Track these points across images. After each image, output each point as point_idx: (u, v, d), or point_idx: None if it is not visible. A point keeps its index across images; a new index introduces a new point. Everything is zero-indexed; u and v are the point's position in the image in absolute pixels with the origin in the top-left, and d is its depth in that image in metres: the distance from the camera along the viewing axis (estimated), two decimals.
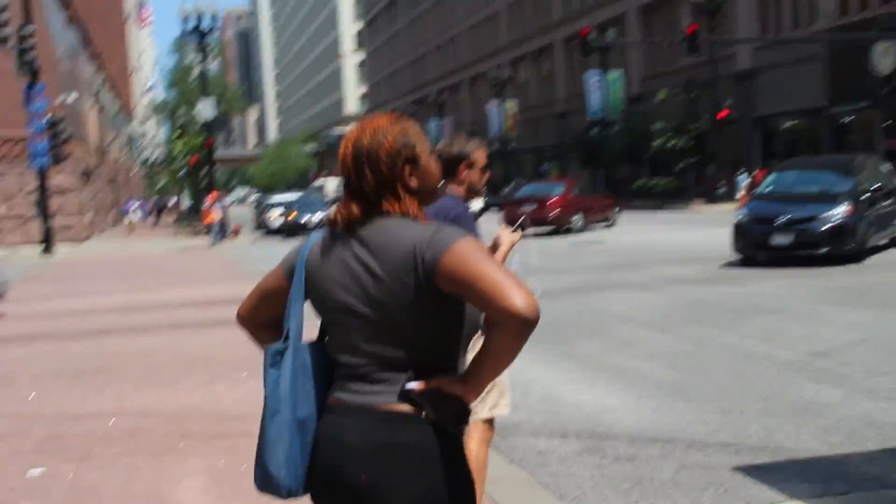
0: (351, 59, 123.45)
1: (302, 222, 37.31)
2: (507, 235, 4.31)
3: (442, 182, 4.48)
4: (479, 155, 4.43)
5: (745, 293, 12.89)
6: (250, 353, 9.68)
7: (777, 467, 5.52)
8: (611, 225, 31.05)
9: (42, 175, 27.86)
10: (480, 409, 4.43)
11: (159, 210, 56.62)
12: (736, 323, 10.47)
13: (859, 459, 5.61)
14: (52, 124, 28.23)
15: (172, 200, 73.22)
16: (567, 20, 59.10)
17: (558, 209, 28.57)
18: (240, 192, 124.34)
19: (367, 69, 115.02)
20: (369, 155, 2.40)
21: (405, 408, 2.28)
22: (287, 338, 2.48)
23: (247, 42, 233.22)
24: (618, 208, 32.29)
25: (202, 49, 36.33)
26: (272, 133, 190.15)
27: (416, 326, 2.29)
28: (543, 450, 6.12)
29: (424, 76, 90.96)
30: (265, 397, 2.48)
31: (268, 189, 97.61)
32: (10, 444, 6.71)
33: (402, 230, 2.33)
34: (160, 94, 64.18)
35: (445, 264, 2.20)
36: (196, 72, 41.64)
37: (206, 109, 35.25)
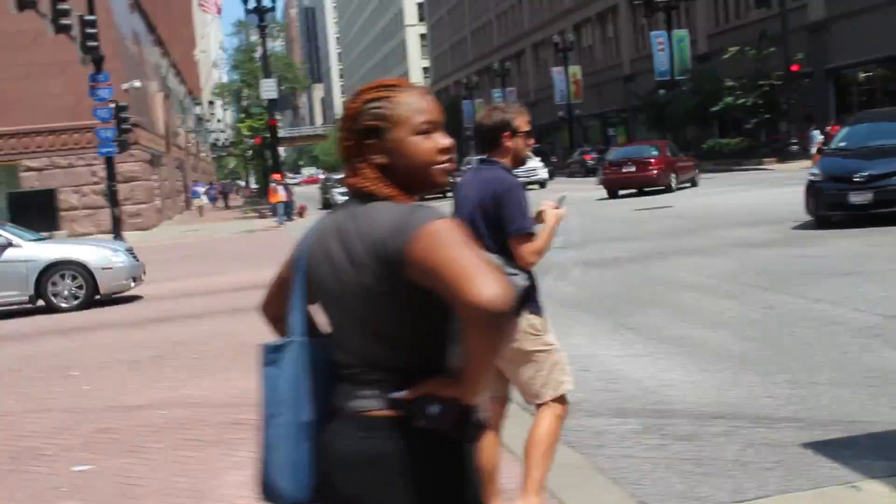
0: (414, 32, 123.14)
1: None
2: (551, 212, 4.14)
3: (485, 155, 4.30)
4: (521, 121, 4.17)
5: (818, 255, 12.34)
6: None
7: (850, 443, 5.15)
8: (694, 185, 31.45)
9: (110, 163, 28.17)
10: (546, 392, 4.23)
11: (226, 193, 57.14)
12: (807, 287, 9.99)
13: None
14: (118, 112, 28.50)
15: (242, 182, 74.15)
16: None
17: (659, 170, 29.25)
18: (306, 171, 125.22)
19: (430, 41, 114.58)
20: (342, 121, 2.17)
21: (394, 415, 2.04)
22: (289, 332, 2.27)
23: (311, 19, 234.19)
24: (697, 169, 32.68)
25: (262, 29, 36.33)
26: (338, 111, 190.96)
27: (396, 323, 2.05)
28: (601, 430, 5.84)
29: (487, 45, 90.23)
30: (262, 399, 2.27)
31: (333, 168, 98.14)
32: (61, 438, 6.66)
33: (378, 214, 2.08)
34: (225, 76, 64.67)
35: (413, 252, 1.96)
36: (258, 52, 41.74)
37: (268, 90, 35.32)
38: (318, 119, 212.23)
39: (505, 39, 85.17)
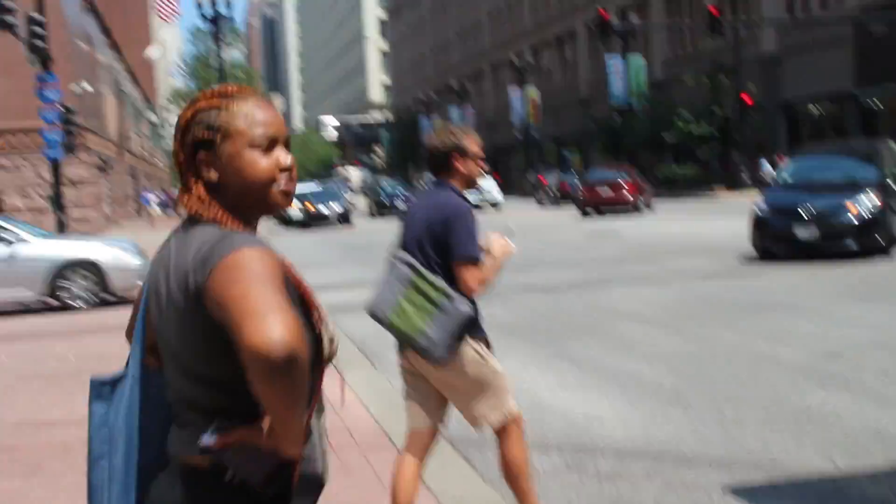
0: (375, 48, 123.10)
1: (323, 213, 36.94)
2: (498, 245, 4.03)
3: (433, 177, 4.16)
4: (470, 143, 4.09)
5: (759, 288, 12.33)
6: None
7: (772, 488, 5.04)
8: (651, 209, 32.95)
9: (55, 166, 27.61)
10: (494, 416, 4.19)
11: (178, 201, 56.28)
12: (745, 321, 9.94)
13: (864, 479, 5.11)
14: (65, 114, 27.95)
15: None
16: (589, 4, 58.29)
17: (632, 193, 31.83)
18: None
19: (390, 57, 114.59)
20: (174, 131, 1.95)
21: (205, 463, 1.82)
22: (127, 364, 2.05)
23: (273, 30, 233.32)
24: (652, 195, 34.37)
25: (217, 37, 35.97)
26: (297, 122, 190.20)
27: (210, 361, 1.82)
28: None
29: (447, 63, 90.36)
30: (88, 437, 2.06)
31: None
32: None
33: (191, 241, 1.85)
34: (181, 83, 64.04)
35: (210, 285, 1.74)
36: (214, 59, 41.36)
37: None
38: None
39: (465, 58, 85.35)
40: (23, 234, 14.12)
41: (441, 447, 6.01)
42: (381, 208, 42.43)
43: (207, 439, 1.80)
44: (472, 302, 3.95)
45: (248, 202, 1.92)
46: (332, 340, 1.92)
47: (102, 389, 2.07)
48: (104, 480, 2.03)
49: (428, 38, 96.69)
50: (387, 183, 47.77)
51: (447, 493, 5.12)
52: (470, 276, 3.87)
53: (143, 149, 64.38)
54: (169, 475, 1.89)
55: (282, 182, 1.93)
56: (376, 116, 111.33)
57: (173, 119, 52.55)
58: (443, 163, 4.07)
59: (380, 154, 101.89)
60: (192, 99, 1.97)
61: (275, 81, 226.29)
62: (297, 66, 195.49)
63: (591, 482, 5.29)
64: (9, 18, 22.56)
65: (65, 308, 13.93)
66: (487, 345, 4.11)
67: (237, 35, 70.44)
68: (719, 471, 5.32)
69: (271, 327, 1.61)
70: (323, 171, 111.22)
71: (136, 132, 57.49)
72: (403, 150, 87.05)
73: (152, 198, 46.27)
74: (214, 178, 1.89)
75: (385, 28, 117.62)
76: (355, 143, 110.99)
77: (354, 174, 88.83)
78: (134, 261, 14.43)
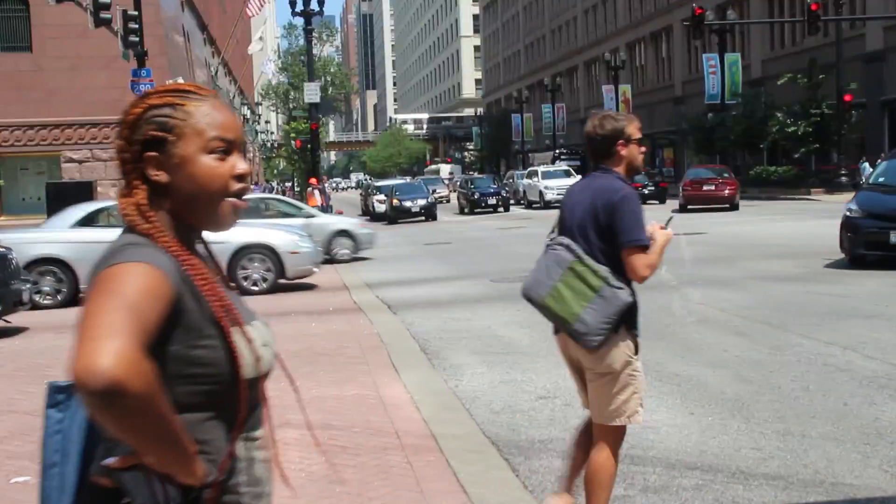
0: (468, 43, 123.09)
1: (407, 207, 37.10)
2: (661, 233, 3.97)
3: (595, 164, 4.11)
4: (633, 128, 4.07)
5: (842, 294, 11.78)
6: (294, 351, 9.32)
7: None
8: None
9: None
10: (617, 418, 4.07)
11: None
12: (823, 328, 9.49)
13: None
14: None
15: (289, 184, 74.39)
16: (686, 1, 57.22)
17: (731, 190, 33.04)
18: (354, 176, 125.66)
19: (483, 53, 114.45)
20: (119, 127, 1.82)
21: (108, 483, 1.70)
22: None
23: (368, 25, 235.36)
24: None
25: (308, 32, 36.28)
26: (391, 116, 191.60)
27: None
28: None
29: (540, 60, 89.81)
30: (42, 444, 1.96)
31: (381, 174, 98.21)
32: (12, 444, 6.43)
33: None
34: (274, 77, 64.90)
35: (85, 297, 1.65)
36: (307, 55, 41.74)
37: (310, 93, 35.26)
38: (371, 125, 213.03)
39: (558, 55, 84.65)
40: None
41: (486, 451, 5.87)
42: (471, 205, 41.77)
43: (111, 458, 1.69)
44: (634, 293, 3.96)
45: (197, 209, 1.81)
46: (258, 359, 1.77)
47: (58, 396, 1.97)
48: (55, 489, 1.93)
49: (521, 34, 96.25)
50: (477, 179, 47.42)
51: (486, 501, 4.96)
52: (638, 261, 3.85)
53: None
54: (84, 493, 1.78)
55: (235, 191, 1.81)
56: (468, 112, 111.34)
57: (266, 113, 53.23)
58: (605, 149, 4.05)
59: (470, 150, 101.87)
60: (142, 94, 1.85)
61: (370, 77, 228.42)
62: (391, 61, 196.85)
63: (637, 496, 5.05)
64: (104, 14, 23.10)
65: (243, 293, 14.14)
66: (636, 345, 4.06)
67: (330, 30, 71.05)
68: (775, 488, 5.04)
69: (96, 354, 1.49)
70: (414, 166, 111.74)
71: None
72: (494, 147, 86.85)
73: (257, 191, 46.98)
74: (164, 180, 1.78)
75: (478, 24, 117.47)
76: (446, 139, 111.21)
77: (446, 170, 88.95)
78: (306, 246, 14.90)
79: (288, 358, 7.77)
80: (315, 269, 15.08)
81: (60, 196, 32.24)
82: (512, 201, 45.27)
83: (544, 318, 4.15)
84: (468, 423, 6.50)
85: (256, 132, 70.53)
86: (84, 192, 33.42)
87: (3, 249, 11.61)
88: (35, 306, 12.87)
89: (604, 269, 3.87)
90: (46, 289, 13.76)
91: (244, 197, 1.87)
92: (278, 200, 21.91)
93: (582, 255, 3.92)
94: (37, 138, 32.80)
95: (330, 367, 8.55)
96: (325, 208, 34.28)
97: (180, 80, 34.54)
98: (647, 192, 37.51)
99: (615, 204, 3.87)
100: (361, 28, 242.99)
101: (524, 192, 46.57)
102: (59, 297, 13.82)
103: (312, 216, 19.81)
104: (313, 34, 39.78)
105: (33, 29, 33.35)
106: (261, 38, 56.11)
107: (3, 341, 11.13)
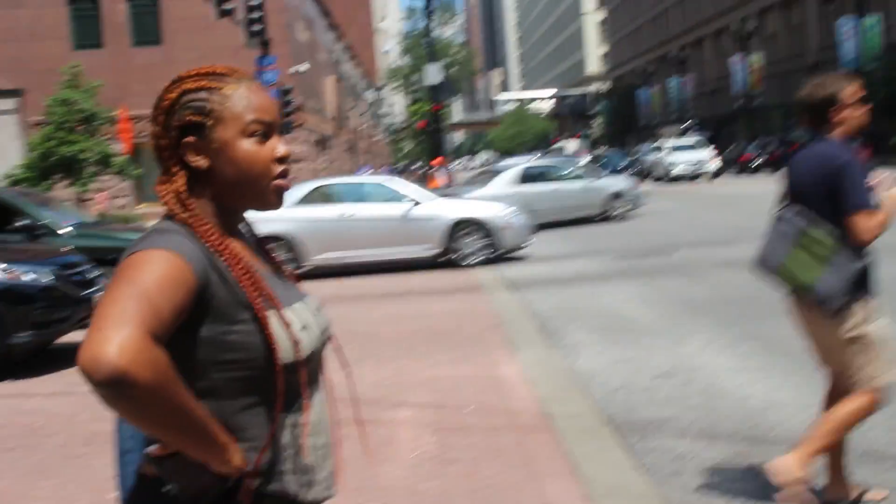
0: (592, 19, 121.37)
1: None
2: (889, 194, 3.94)
3: (814, 130, 4.16)
4: (849, 91, 4.01)
5: None
6: (413, 330, 9.34)
7: None
8: None
9: None
10: (858, 383, 4.06)
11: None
12: None
13: None
14: (282, 94, 29.11)
15: (415, 165, 74.94)
16: None
17: (865, 158, 31.20)
18: (482, 156, 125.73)
19: (608, 27, 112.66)
20: (154, 113, 1.76)
21: (152, 471, 1.68)
22: None
23: (492, 5, 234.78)
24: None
25: (429, 14, 36.38)
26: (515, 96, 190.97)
27: None
28: (682, 454, 5.26)
29: (666, 32, 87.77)
30: (116, 430, 1.95)
31: (507, 153, 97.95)
32: None
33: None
34: (397, 60, 65.44)
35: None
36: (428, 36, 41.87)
37: (432, 74, 35.36)
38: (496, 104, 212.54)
39: (685, 26, 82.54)
40: (414, 195, 15.24)
41: (599, 430, 5.72)
42: None
43: (153, 446, 1.65)
44: (865, 256, 3.98)
45: (239, 193, 1.76)
46: (295, 343, 1.70)
47: None
48: (130, 475, 1.92)
49: (646, 6, 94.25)
50: (606, 155, 46.58)
51: (598, 481, 4.82)
52: (864, 224, 3.84)
53: (362, 125, 66.39)
54: (131, 487, 1.77)
55: (276, 172, 1.77)
56: (593, 88, 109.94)
57: (389, 96, 53.72)
58: (820, 116, 4.03)
59: (596, 126, 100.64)
60: (176, 78, 1.79)
61: (494, 56, 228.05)
62: (515, 39, 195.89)
63: (757, 476, 4.82)
64: (227, 6, 23.65)
65: (454, 265, 14.66)
66: (872, 307, 4.04)
67: (451, 12, 71.11)
68: None
69: (101, 344, 1.45)
70: (540, 144, 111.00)
71: (355, 109, 59.31)
72: (621, 122, 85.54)
73: (368, 172, 47.51)
74: (204, 165, 1.73)
75: None
76: (572, 116, 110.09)
77: (572, 147, 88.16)
78: (518, 219, 15.34)
79: (405, 338, 7.81)
80: (526, 242, 15.45)
81: None
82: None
83: (779, 286, 4.20)
84: (583, 403, 6.35)
85: (381, 115, 71.37)
86: None
87: None
88: None
89: (834, 235, 3.90)
90: None
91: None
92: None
93: (813, 221, 3.96)
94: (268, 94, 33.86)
95: (447, 347, 8.51)
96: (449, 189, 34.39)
97: (304, 67, 35.17)
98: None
99: (838, 170, 3.88)
100: (485, 7, 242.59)
101: (650, 166, 45.68)
102: None
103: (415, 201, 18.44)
104: (433, 16, 39.84)
105: (163, 23, 34.44)
106: (382, 20, 56.55)
107: None
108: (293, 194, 15.12)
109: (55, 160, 24.04)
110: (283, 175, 1.79)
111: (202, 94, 1.73)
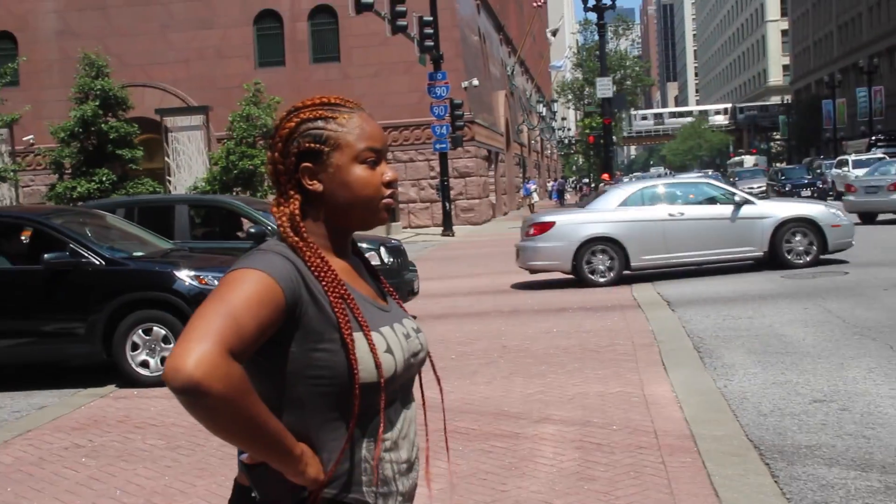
0: (775, 27, 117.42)
1: None
2: None
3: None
4: None
5: None
6: (564, 346, 9.33)
7: None
8: None
9: (443, 158, 29.31)
10: None
11: (561, 191, 57.35)
12: None
13: None
14: (452, 109, 29.58)
15: (584, 181, 74.46)
16: None
17: None
18: (654, 171, 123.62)
19: (791, 37, 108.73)
20: (270, 139, 1.92)
21: (242, 481, 1.82)
22: None
23: (668, 16, 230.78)
24: None
25: (601, 27, 36.17)
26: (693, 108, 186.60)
27: (252, 378, 1.78)
28: (831, 483, 5.07)
29: (855, 41, 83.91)
30: None
31: (681, 168, 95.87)
32: None
33: None
34: (569, 73, 65.26)
35: None
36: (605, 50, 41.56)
37: (603, 88, 35.15)
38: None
39: (876, 33, 78.67)
40: (749, 196, 15.61)
41: (746, 454, 5.59)
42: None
43: (245, 454, 1.78)
44: None
45: (351, 213, 1.91)
46: (377, 366, 1.80)
47: None
48: None
49: (834, 13, 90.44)
50: (788, 170, 44.31)
51: None
52: None
53: (533, 140, 66.47)
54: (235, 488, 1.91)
55: (385, 195, 1.92)
56: (774, 101, 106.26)
57: (561, 110, 53.29)
58: None
59: (777, 140, 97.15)
60: (293, 108, 1.94)
61: (670, 68, 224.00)
62: (692, 51, 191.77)
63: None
64: (401, 22, 24.28)
65: (786, 266, 14.79)
66: None
67: (626, 24, 70.34)
68: None
69: (182, 356, 1.60)
70: (717, 159, 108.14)
71: (527, 123, 59.49)
72: (803, 136, 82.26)
73: (532, 187, 47.47)
74: (319, 189, 1.88)
75: (786, 6, 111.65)
76: (751, 130, 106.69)
77: (750, 162, 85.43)
78: (844, 219, 15.40)
79: (557, 353, 7.82)
80: (853, 242, 15.35)
81: None
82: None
83: None
84: (731, 425, 6.21)
85: (553, 129, 71.33)
86: None
87: (395, 242, 12.52)
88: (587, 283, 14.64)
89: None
90: (600, 267, 14.90)
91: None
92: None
93: None
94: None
95: (598, 364, 8.47)
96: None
97: (475, 82, 35.61)
98: None
99: None
100: (662, 19, 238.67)
101: (832, 182, 43.65)
102: (611, 274, 14.86)
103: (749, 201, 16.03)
104: (607, 28, 39.57)
105: (341, 40, 35.63)
106: (555, 32, 56.55)
107: None
108: (615, 196, 15.53)
109: (235, 173, 25.26)
110: (392, 197, 1.94)
111: (319, 123, 1.88)
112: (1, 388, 9.11)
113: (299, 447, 1.74)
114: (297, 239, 1.83)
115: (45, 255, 8.73)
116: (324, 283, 1.79)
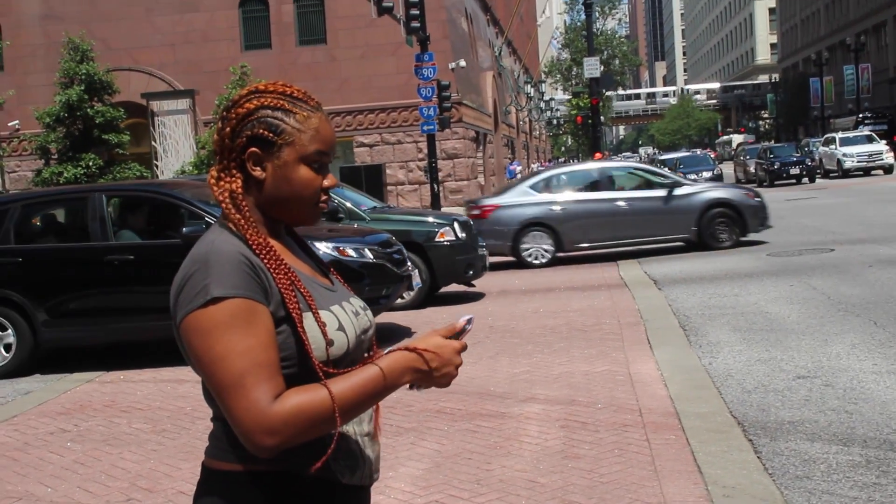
0: (763, 6, 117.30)
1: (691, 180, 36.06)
2: None
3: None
4: None
5: None
6: (551, 326, 9.35)
7: None
8: None
9: (431, 140, 29.20)
10: None
11: None
12: None
13: None
14: (440, 90, 29.45)
15: (573, 161, 74.41)
16: None
17: None
18: (642, 151, 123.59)
19: (779, 15, 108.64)
20: (224, 111, 1.88)
21: (210, 464, 1.85)
22: None
23: None
24: None
25: (588, 6, 36.05)
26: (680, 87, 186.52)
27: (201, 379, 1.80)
28: (813, 458, 5.11)
29: (842, 18, 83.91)
30: None
31: (670, 147, 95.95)
32: None
33: (196, 246, 1.83)
34: (558, 53, 65.11)
35: (183, 335, 1.75)
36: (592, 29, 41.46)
37: (590, 68, 35.07)
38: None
39: (863, 11, 78.66)
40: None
41: (729, 430, 5.62)
42: (771, 177, 38.05)
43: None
44: None
45: (286, 208, 1.88)
46: (329, 343, 1.79)
47: None
48: None
49: None
50: (776, 148, 43.70)
51: (719, 481, 4.75)
52: None
53: (522, 120, 66.36)
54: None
55: (322, 199, 1.91)
56: (762, 79, 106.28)
57: (549, 90, 52.99)
58: None
59: (765, 118, 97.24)
60: (255, 89, 1.89)
61: (658, 48, 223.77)
62: (680, 30, 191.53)
63: (890, 485, 4.64)
64: (386, 3, 24.12)
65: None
66: None
67: (612, 3, 70.14)
68: None
69: (248, 436, 1.67)
70: (705, 138, 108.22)
71: (515, 104, 59.34)
72: (791, 114, 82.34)
73: (517, 168, 47.28)
74: (260, 176, 1.85)
75: None
76: (739, 109, 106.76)
77: (738, 141, 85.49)
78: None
79: (543, 333, 7.86)
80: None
81: (353, 178, 34.24)
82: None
83: None
84: (716, 402, 6.24)
85: (541, 110, 71.16)
86: (375, 174, 35.28)
87: (465, 217, 12.75)
88: None
89: None
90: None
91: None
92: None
93: None
94: (332, 125, 34.90)
95: (584, 343, 8.49)
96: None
97: (462, 63, 35.47)
98: None
99: None
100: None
101: (820, 160, 43.72)
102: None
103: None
104: (594, 8, 39.48)
105: (327, 22, 35.42)
106: (544, 13, 56.38)
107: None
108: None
109: None
110: (326, 202, 1.92)
111: (279, 114, 1.84)
112: None
113: (373, 371, 1.77)
114: (239, 217, 1.81)
115: (184, 229, 8.51)
116: (267, 262, 1.78)
